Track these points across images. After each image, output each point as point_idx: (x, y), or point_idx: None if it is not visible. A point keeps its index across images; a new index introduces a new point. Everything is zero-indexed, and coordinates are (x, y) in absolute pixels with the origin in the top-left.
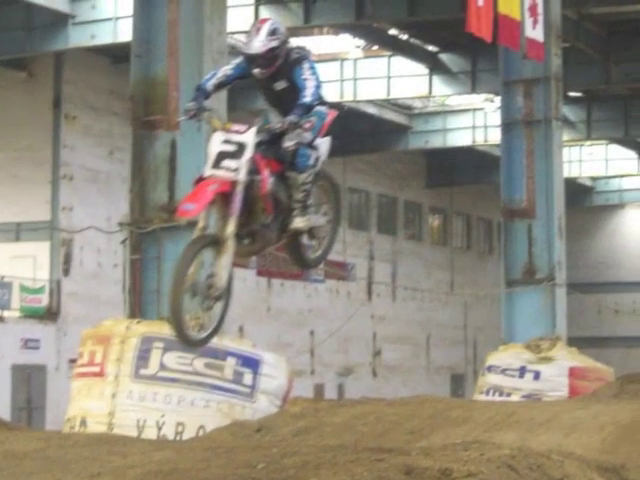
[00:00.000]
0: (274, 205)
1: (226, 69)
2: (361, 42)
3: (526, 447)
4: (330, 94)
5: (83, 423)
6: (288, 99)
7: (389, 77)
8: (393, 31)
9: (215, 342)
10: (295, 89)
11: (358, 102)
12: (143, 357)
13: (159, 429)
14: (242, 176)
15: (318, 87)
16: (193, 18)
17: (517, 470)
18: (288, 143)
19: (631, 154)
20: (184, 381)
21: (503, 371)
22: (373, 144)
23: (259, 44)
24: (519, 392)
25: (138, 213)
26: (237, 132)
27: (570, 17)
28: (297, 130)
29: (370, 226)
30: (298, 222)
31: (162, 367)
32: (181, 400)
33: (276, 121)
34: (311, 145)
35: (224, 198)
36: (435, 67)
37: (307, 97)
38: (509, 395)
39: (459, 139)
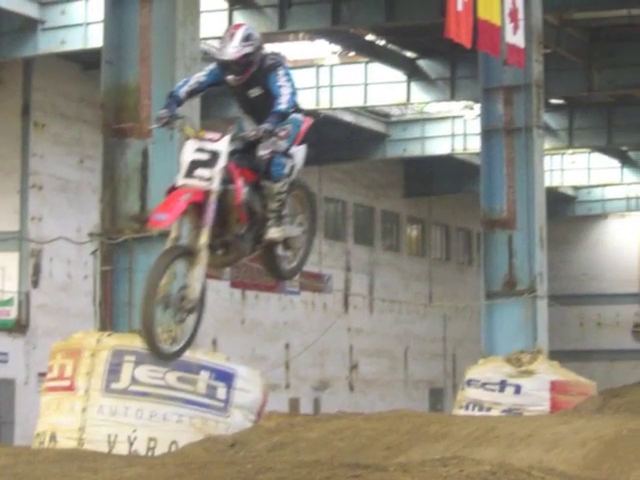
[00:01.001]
0: (248, 215)
1: (199, 76)
2: (337, 48)
3: (506, 463)
4: (306, 101)
5: (53, 438)
6: (263, 106)
7: (366, 84)
8: (370, 37)
9: (188, 355)
10: (270, 96)
11: (334, 109)
12: (114, 371)
13: (130, 444)
14: (215, 185)
15: (293, 94)
16: (165, 24)
17: None
18: (263, 151)
19: (614, 163)
20: (156, 395)
21: (483, 385)
22: (350, 152)
23: (233, 50)
24: (499, 407)
25: (109, 223)
26: (210, 140)
27: (552, 22)
28: (272, 138)
29: (346, 236)
30: (273, 232)
31: (134, 381)
32: (153, 415)
33: (250, 129)
34: (286, 153)
35: (197, 208)
36: (413, 74)
37: (282, 104)
38: (489, 410)
39: (438, 147)
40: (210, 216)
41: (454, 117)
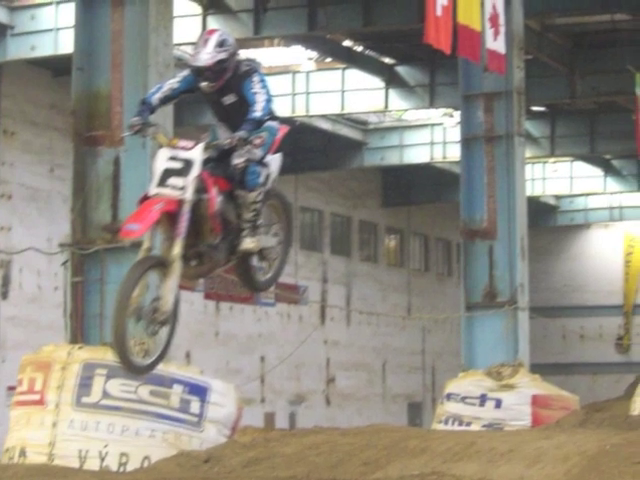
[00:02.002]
0: (222, 225)
1: (172, 82)
2: (314, 54)
3: (487, 479)
4: (281, 109)
5: (22, 454)
6: (237, 114)
7: (343, 91)
8: (347, 42)
9: (161, 369)
10: (245, 103)
11: (311, 117)
12: (85, 384)
13: (102, 460)
14: (189, 195)
15: (269, 101)
16: (138, 29)
17: None
18: (237, 160)
19: (597, 171)
20: (128, 409)
21: (463, 399)
22: (326, 161)
23: (207, 56)
24: (480, 421)
25: (80, 233)
26: (184, 148)
27: (533, 28)
28: (247, 146)
29: (323, 247)
30: (248, 243)
31: (105, 395)
32: (125, 429)
33: (225, 137)
34: (261, 162)
35: (170, 218)
36: (391, 80)
37: (257, 112)
38: (469, 424)
39: (416, 156)
40: (183, 226)
41: (433, 125)
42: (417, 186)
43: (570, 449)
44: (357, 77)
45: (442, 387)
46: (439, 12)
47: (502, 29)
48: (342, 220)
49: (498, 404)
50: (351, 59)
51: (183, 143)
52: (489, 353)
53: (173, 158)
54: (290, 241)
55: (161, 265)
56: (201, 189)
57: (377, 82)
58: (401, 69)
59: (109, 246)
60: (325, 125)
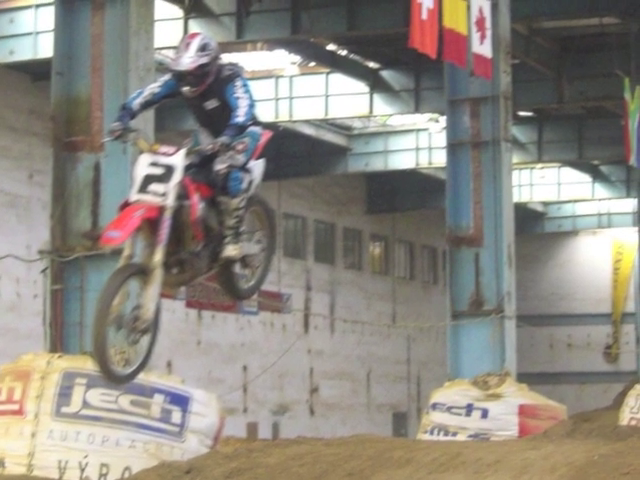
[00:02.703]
0: (204, 232)
1: (153, 87)
2: (297, 58)
3: None
4: (264, 113)
5: (1, 464)
6: (220, 119)
7: (327, 95)
8: (331, 46)
9: (142, 378)
10: (227, 108)
11: (294, 122)
12: (65, 394)
13: (82, 471)
14: (170, 201)
15: (252, 106)
16: (118, 33)
17: None
18: (219, 166)
19: (585, 177)
20: (108, 420)
21: (449, 409)
22: (310, 167)
23: (188, 60)
24: (466, 431)
25: (59, 240)
26: (165, 154)
27: (520, 32)
28: (229, 152)
29: (307, 254)
30: (230, 250)
31: (85, 405)
32: (105, 440)
33: (207, 142)
34: (244, 168)
35: (151, 224)
36: (376, 85)
37: (240, 117)
38: (455, 434)
39: (401, 162)
40: (164, 233)
41: (418, 130)
42: (402, 192)
43: (558, 460)
44: (341, 82)
45: (427, 397)
46: (425, 16)
47: (488, 33)
48: (326, 227)
49: (484, 414)
50: (335, 63)
51: (164, 149)
52: (475, 362)
53: (154, 164)
54: (273, 248)
55: (142, 273)
56: (183, 195)
57: (361, 87)
58: (386, 73)
59: (89, 253)
60: (309, 130)
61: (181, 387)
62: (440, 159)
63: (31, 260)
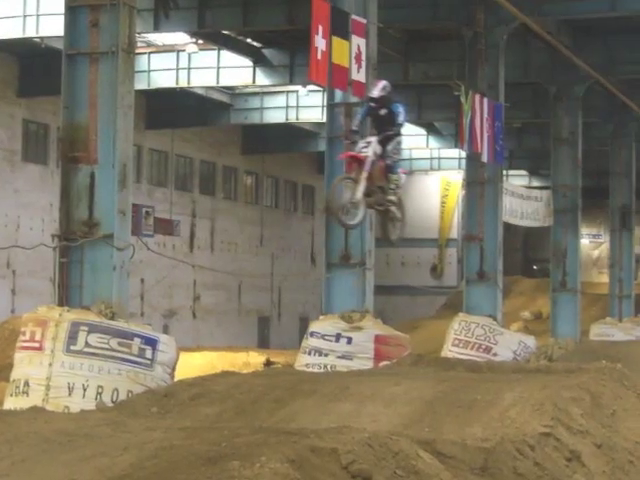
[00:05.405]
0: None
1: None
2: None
3: (377, 432)
4: (167, 81)
5: (27, 384)
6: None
7: (218, 67)
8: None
9: (125, 326)
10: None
11: (191, 88)
12: (73, 337)
13: (84, 390)
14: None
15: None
16: (109, 80)
17: (373, 447)
18: None
19: (421, 131)
20: (102, 355)
21: (323, 336)
22: (199, 119)
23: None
24: (335, 353)
25: (65, 227)
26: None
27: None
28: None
29: (193, 187)
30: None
31: (87, 345)
32: (100, 369)
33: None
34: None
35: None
36: (258, 60)
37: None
38: (327, 355)
39: (274, 117)
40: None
41: (289, 92)
42: (271, 138)
43: (413, 394)
44: (230, 57)
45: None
46: (319, 56)
47: (364, 63)
48: (209, 165)
49: (349, 341)
50: (225, 42)
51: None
52: (343, 302)
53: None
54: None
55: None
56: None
57: (246, 61)
58: (266, 51)
59: (86, 237)
60: (200, 90)
61: (152, 332)
62: (305, 115)
63: (52, 246)
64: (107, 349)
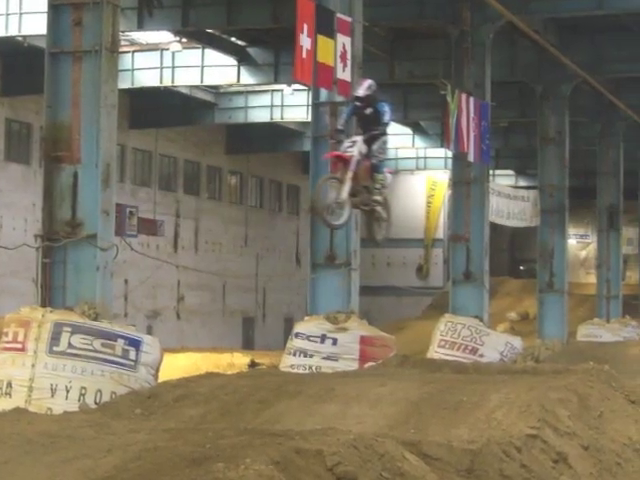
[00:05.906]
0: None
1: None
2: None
3: (363, 433)
4: (151, 79)
5: (9, 385)
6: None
7: (202, 66)
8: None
9: (108, 327)
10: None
11: (175, 87)
12: (55, 338)
13: (67, 392)
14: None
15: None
16: (92, 79)
17: (358, 449)
18: None
19: (407, 130)
20: (85, 356)
21: (307, 337)
22: (183, 118)
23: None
24: (320, 354)
25: (48, 227)
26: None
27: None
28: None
29: (177, 187)
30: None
31: (70, 346)
32: (84, 370)
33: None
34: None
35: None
36: (243, 59)
37: None
38: (312, 356)
39: (258, 116)
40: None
41: (274, 91)
42: (256, 138)
43: (399, 395)
44: (214, 56)
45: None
46: (304, 55)
47: (349, 62)
48: (193, 165)
49: (334, 342)
50: (209, 41)
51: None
52: (328, 303)
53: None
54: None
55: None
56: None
57: (231, 60)
58: (251, 50)
59: (69, 237)
60: (184, 89)
61: (136, 333)
62: (290, 114)
63: (35, 246)
64: (90, 350)
